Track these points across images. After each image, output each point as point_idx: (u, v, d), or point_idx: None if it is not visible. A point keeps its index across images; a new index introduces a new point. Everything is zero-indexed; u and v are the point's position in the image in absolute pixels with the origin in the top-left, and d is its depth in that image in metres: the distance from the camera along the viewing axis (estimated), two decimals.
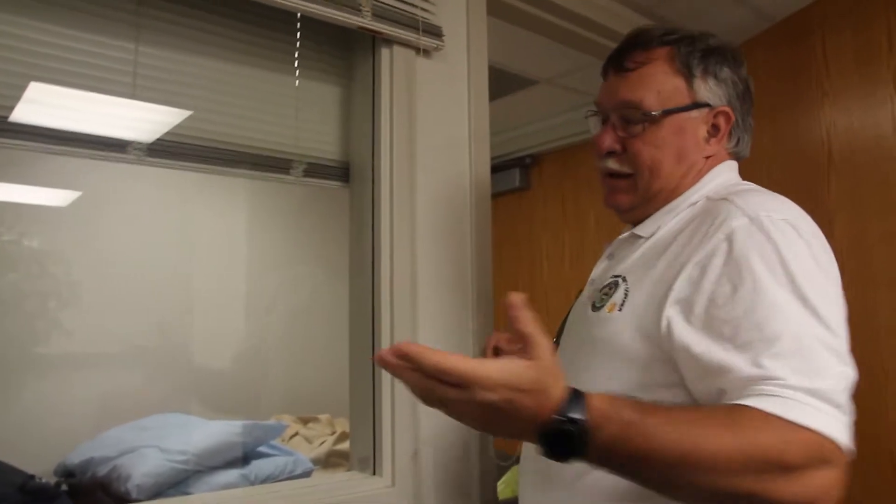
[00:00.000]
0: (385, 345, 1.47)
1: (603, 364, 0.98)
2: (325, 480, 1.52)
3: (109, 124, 1.32)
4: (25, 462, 2.12)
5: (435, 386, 0.70)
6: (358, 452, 1.52)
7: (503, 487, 3.13)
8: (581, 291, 1.22)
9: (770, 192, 0.99)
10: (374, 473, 1.46)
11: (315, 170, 1.55)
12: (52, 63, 1.26)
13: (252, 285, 3.52)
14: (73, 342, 2.90)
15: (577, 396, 0.73)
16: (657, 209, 1.09)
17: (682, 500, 0.80)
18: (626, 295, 0.99)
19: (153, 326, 3.11)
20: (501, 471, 3.36)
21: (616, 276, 1.04)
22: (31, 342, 2.84)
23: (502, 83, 2.95)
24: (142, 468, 2.19)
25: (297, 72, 1.55)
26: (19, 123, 1.22)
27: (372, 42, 1.56)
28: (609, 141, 1.10)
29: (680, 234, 0.99)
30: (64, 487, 2.37)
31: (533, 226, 3.78)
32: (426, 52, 1.59)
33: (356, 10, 1.44)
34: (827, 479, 0.76)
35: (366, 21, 1.45)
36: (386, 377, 1.46)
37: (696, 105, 1.07)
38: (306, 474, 2.49)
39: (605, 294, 1.03)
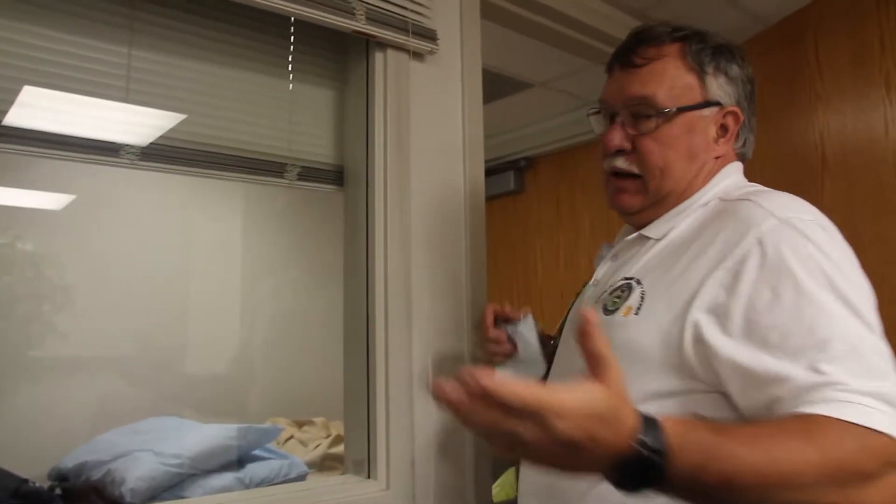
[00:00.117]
0: (380, 347, 1.47)
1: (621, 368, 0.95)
2: (320, 484, 1.52)
3: (103, 128, 1.32)
4: (19, 466, 2.11)
5: (502, 419, 0.61)
6: (352, 455, 1.52)
7: (498, 490, 3.13)
8: (580, 292, 1.20)
9: (787, 194, 0.96)
10: (368, 477, 1.46)
11: (309, 173, 1.55)
12: (45, 67, 1.26)
13: (247, 288, 3.51)
14: (67, 346, 2.89)
15: (650, 421, 0.68)
16: (667, 211, 1.06)
17: None
18: (642, 298, 0.96)
19: (148, 330, 3.10)
20: (496, 473, 3.36)
21: (628, 279, 1.01)
22: (25, 346, 2.83)
23: (497, 86, 2.96)
24: (136, 472, 2.18)
25: (291, 75, 1.55)
26: (13, 127, 1.21)
27: (366, 46, 1.56)
28: (618, 139, 1.06)
29: (698, 236, 0.96)
30: (58, 491, 2.35)
31: (527, 228, 3.79)
32: (420, 56, 1.60)
33: (350, 13, 1.44)
34: None
35: (359, 25, 1.45)
36: (381, 380, 1.46)
37: (708, 103, 1.04)
38: (301, 478, 2.48)
39: (618, 297, 0.99)
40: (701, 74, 1.04)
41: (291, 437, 3.09)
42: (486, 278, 1.67)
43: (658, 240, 1.03)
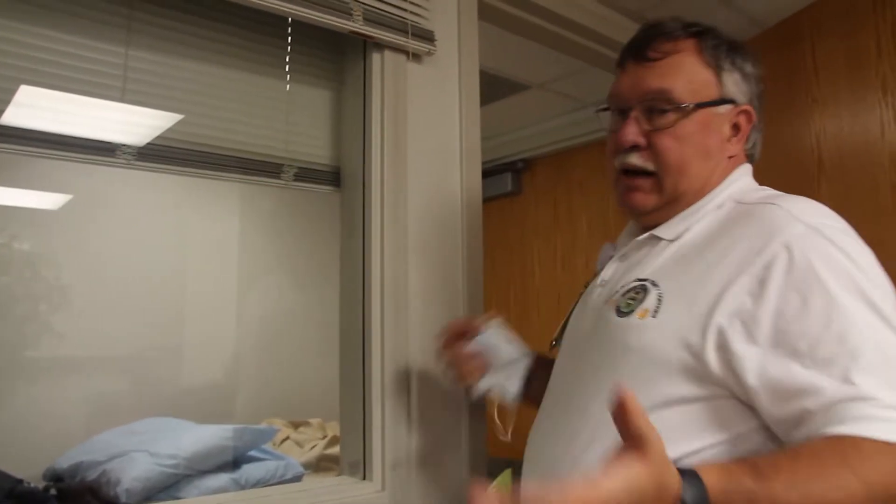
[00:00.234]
0: (376, 348, 1.47)
1: (633, 373, 0.91)
2: (316, 485, 1.51)
3: (100, 128, 1.31)
4: (14, 466, 2.11)
5: None
6: (348, 457, 1.52)
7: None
8: (583, 293, 1.17)
9: (807, 198, 0.93)
10: (364, 478, 1.46)
11: (306, 174, 1.55)
12: (42, 66, 1.26)
13: (243, 289, 3.51)
14: (63, 346, 2.89)
15: (691, 479, 0.69)
16: (680, 211, 1.02)
17: None
18: (659, 301, 0.92)
19: (144, 330, 3.10)
20: (493, 475, 3.36)
21: (642, 280, 0.97)
22: (22, 346, 2.83)
23: (495, 88, 2.96)
24: (131, 472, 2.18)
25: (288, 76, 1.55)
26: (10, 127, 1.21)
27: (363, 46, 1.56)
28: (633, 134, 1.01)
29: (718, 240, 0.93)
30: (53, 492, 2.35)
31: (525, 230, 3.79)
32: (417, 57, 1.60)
33: (347, 14, 1.44)
34: None
35: (357, 25, 1.45)
36: (377, 381, 1.46)
37: (723, 101, 1.01)
38: (297, 478, 2.48)
39: (632, 299, 0.96)
40: (717, 70, 1.01)
41: (287, 438, 3.09)
42: (482, 280, 1.67)
43: (671, 241, 1.00)
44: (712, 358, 0.84)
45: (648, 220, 1.06)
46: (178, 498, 2.18)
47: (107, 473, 2.24)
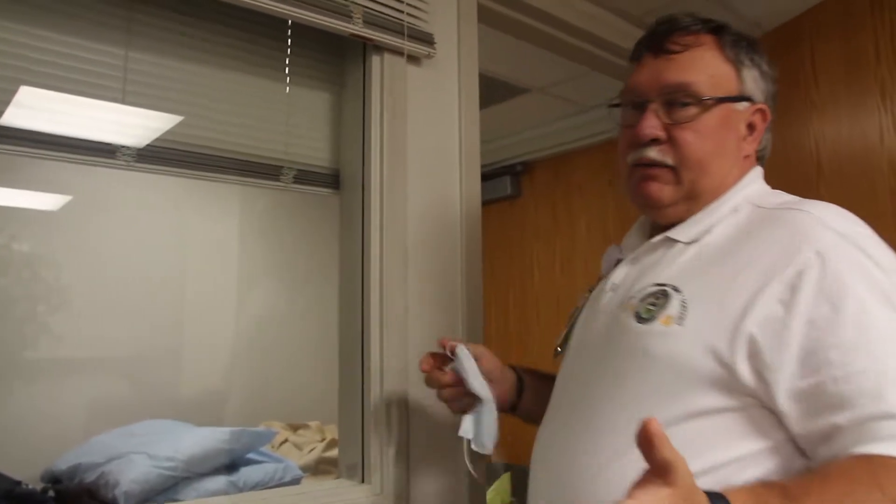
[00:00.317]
0: (375, 350, 1.47)
1: (658, 383, 0.88)
2: (314, 488, 1.52)
3: (99, 129, 1.31)
4: (12, 468, 2.11)
5: None
6: (346, 460, 1.52)
7: (493, 496, 3.13)
8: (588, 296, 1.14)
9: (834, 205, 0.91)
10: (362, 481, 1.46)
11: (305, 176, 1.55)
12: (42, 67, 1.26)
13: (242, 291, 3.51)
14: (62, 347, 2.89)
15: (719, 503, 0.67)
16: (697, 210, 0.99)
17: None
18: (684, 307, 0.88)
19: (143, 332, 3.09)
20: (491, 479, 3.36)
21: (662, 285, 0.93)
22: (20, 347, 2.83)
23: (494, 91, 2.97)
24: (130, 475, 2.18)
25: (288, 78, 1.55)
26: (9, 127, 1.21)
27: (363, 49, 1.56)
28: (653, 127, 0.97)
29: (743, 245, 0.90)
30: (51, 494, 2.35)
31: (524, 233, 3.79)
32: (417, 60, 1.60)
33: (347, 17, 1.44)
34: None
35: (357, 28, 1.46)
36: (376, 384, 1.46)
37: (743, 97, 0.99)
38: (295, 481, 2.48)
39: (653, 305, 0.92)
40: (737, 66, 0.99)
41: (286, 440, 3.08)
42: (481, 283, 1.67)
43: (687, 244, 0.97)
44: (743, 367, 0.82)
45: (662, 216, 1.02)
46: (177, 500, 2.18)
47: (105, 475, 2.24)
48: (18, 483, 1.97)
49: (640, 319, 0.92)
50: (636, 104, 1.02)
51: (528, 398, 1.20)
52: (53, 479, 2.48)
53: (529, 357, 3.61)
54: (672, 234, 0.99)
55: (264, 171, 1.49)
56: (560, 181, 3.63)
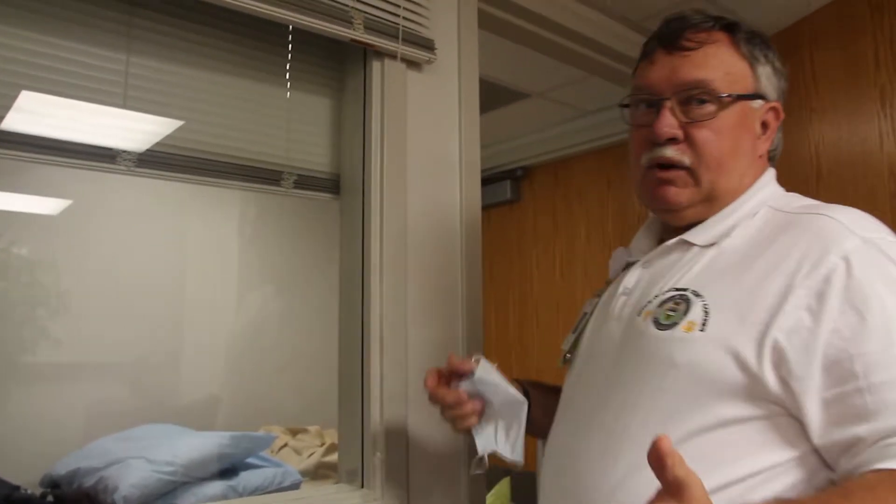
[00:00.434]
0: (374, 355, 1.47)
1: (680, 391, 0.85)
2: (313, 493, 1.51)
3: (100, 134, 1.32)
4: (11, 472, 2.11)
5: None
6: (346, 465, 1.52)
7: (492, 500, 3.12)
8: (597, 302, 1.10)
9: (855, 209, 0.89)
10: (362, 486, 1.46)
11: (305, 181, 1.56)
12: (43, 72, 1.26)
13: (242, 295, 3.51)
14: (61, 351, 2.88)
15: None
16: (715, 212, 0.96)
17: None
18: (706, 313, 0.85)
19: (142, 336, 3.09)
20: (490, 483, 3.36)
21: (681, 290, 0.90)
22: (19, 351, 2.82)
23: (494, 96, 2.97)
24: (129, 479, 2.17)
25: (289, 83, 1.55)
26: (10, 132, 1.22)
27: (363, 54, 1.57)
28: (670, 126, 0.94)
29: (765, 249, 0.87)
30: (50, 499, 2.34)
31: (524, 237, 3.80)
32: (417, 65, 1.60)
33: (348, 22, 1.45)
34: None
35: (357, 34, 1.46)
36: (375, 388, 1.46)
37: (758, 95, 0.97)
38: (295, 486, 2.47)
39: (672, 310, 0.89)
40: (752, 63, 0.97)
41: (285, 445, 3.07)
42: (481, 287, 1.67)
43: (704, 247, 0.94)
44: (770, 375, 0.79)
45: (679, 220, 0.99)
46: None
47: (104, 480, 2.24)
48: (17, 488, 1.97)
49: (660, 325, 0.89)
50: (650, 102, 0.99)
51: (535, 414, 1.13)
52: (52, 484, 2.48)
53: (529, 361, 3.61)
54: (688, 236, 0.96)
55: (265, 176, 1.50)
56: (560, 186, 3.63)
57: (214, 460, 2.32)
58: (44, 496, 2.32)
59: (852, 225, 0.84)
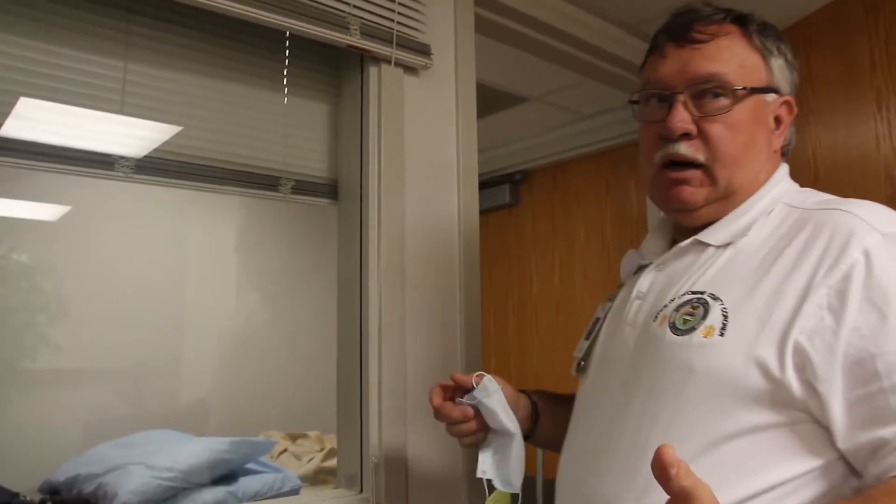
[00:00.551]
0: (373, 360, 1.47)
1: (700, 399, 0.82)
2: (313, 498, 1.51)
3: (98, 140, 1.32)
4: (10, 479, 2.10)
5: None
6: (345, 470, 1.52)
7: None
8: (609, 305, 1.07)
9: (875, 203, 0.87)
10: (361, 491, 1.46)
11: (303, 187, 1.56)
12: (41, 79, 1.26)
13: (241, 301, 3.51)
14: (60, 357, 2.88)
15: None
16: (731, 210, 0.93)
17: None
18: (725, 317, 0.82)
19: (142, 342, 3.09)
20: (490, 489, 3.34)
21: (698, 293, 0.87)
22: (19, 357, 2.82)
23: (493, 100, 2.97)
24: (128, 485, 2.17)
25: (286, 89, 1.55)
26: (8, 139, 1.22)
27: (360, 60, 1.57)
28: (684, 121, 0.91)
29: (784, 249, 0.85)
30: None
31: (522, 241, 3.79)
32: (414, 70, 1.61)
33: (344, 28, 1.45)
34: None
35: (354, 39, 1.46)
36: (374, 393, 1.46)
37: (771, 88, 0.94)
38: (294, 491, 2.47)
39: (690, 314, 0.86)
40: (765, 55, 0.94)
41: (285, 450, 3.07)
42: (479, 292, 1.67)
43: (719, 247, 0.91)
44: (793, 380, 0.77)
45: (694, 219, 0.96)
46: None
47: (103, 486, 2.23)
48: (16, 495, 1.97)
49: (678, 331, 0.86)
50: (662, 97, 0.95)
51: (545, 425, 1.13)
52: (52, 491, 2.47)
53: (528, 364, 3.61)
54: (702, 237, 0.93)
55: (262, 182, 1.50)
56: (558, 189, 3.63)
57: (214, 466, 2.31)
58: (43, 502, 2.32)
59: (871, 219, 0.81)
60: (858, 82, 1.99)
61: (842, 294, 0.77)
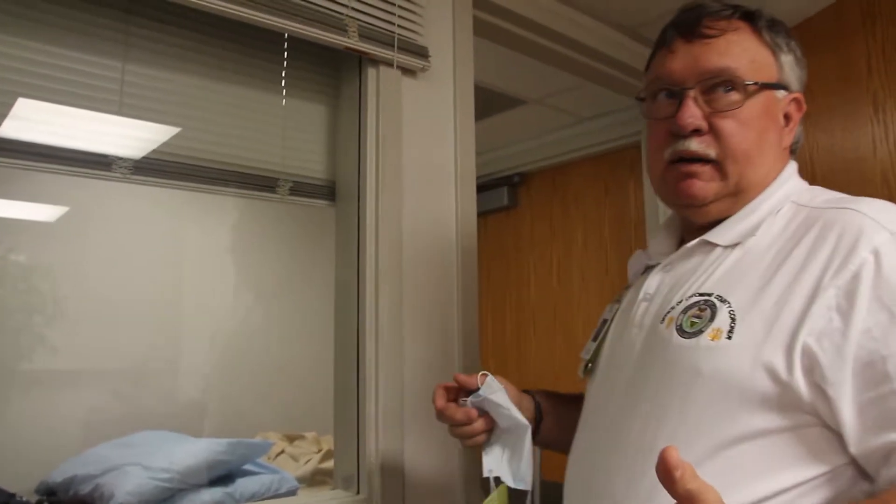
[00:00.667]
0: (370, 362, 1.47)
1: (706, 403, 0.81)
2: (310, 499, 1.51)
3: (96, 141, 1.32)
4: (6, 480, 2.10)
5: None
6: (342, 471, 1.52)
7: None
8: (617, 307, 1.06)
9: (884, 201, 0.85)
10: (357, 493, 1.46)
11: (301, 188, 1.56)
12: (39, 80, 1.27)
13: (239, 302, 3.51)
14: (57, 358, 2.87)
15: None
16: (740, 207, 0.92)
17: None
18: (732, 320, 0.81)
19: (139, 343, 3.08)
20: (487, 490, 3.34)
21: (705, 295, 0.86)
22: (16, 358, 2.82)
23: (491, 102, 2.98)
24: (125, 486, 2.17)
25: (284, 91, 1.56)
26: (6, 139, 1.22)
27: (358, 62, 1.57)
28: (695, 117, 0.90)
29: (792, 249, 0.83)
30: None
31: (521, 243, 3.80)
32: (412, 72, 1.61)
33: (342, 30, 1.45)
34: None
35: (352, 42, 1.46)
36: (371, 395, 1.46)
37: (781, 85, 0.93)
38: (291, 493, 2.47)
39: (697, 317, 0.85)
40: (775, 51, 0.93)
41: (282, 451, 3.07)
42: (477, 295, 1.67)
43: (727, 247, 0.90)
44: (802, 383, 0.75)
45: (704, 216, 0.94)
46: None
47: (100, 487, 2.23)
48: (13, 496, 1.96)
49: (684, 333, 0.85)
50: (671, 92, 0.94)
51: (548, 425, 1.12)
52: (48, 492, 2.47)
53: (526, 367, 3.61)
54: (710, 237, 0.92)
55: (261, 183, 1.50)
56: (557, 192, 3.64)
57: (211, 467, 2.31)
58: (40, 503, 2.32)
59: (880, 218, 0.80)
60: (855, 86, 1.99)
61: (850, 294, 0.75)
